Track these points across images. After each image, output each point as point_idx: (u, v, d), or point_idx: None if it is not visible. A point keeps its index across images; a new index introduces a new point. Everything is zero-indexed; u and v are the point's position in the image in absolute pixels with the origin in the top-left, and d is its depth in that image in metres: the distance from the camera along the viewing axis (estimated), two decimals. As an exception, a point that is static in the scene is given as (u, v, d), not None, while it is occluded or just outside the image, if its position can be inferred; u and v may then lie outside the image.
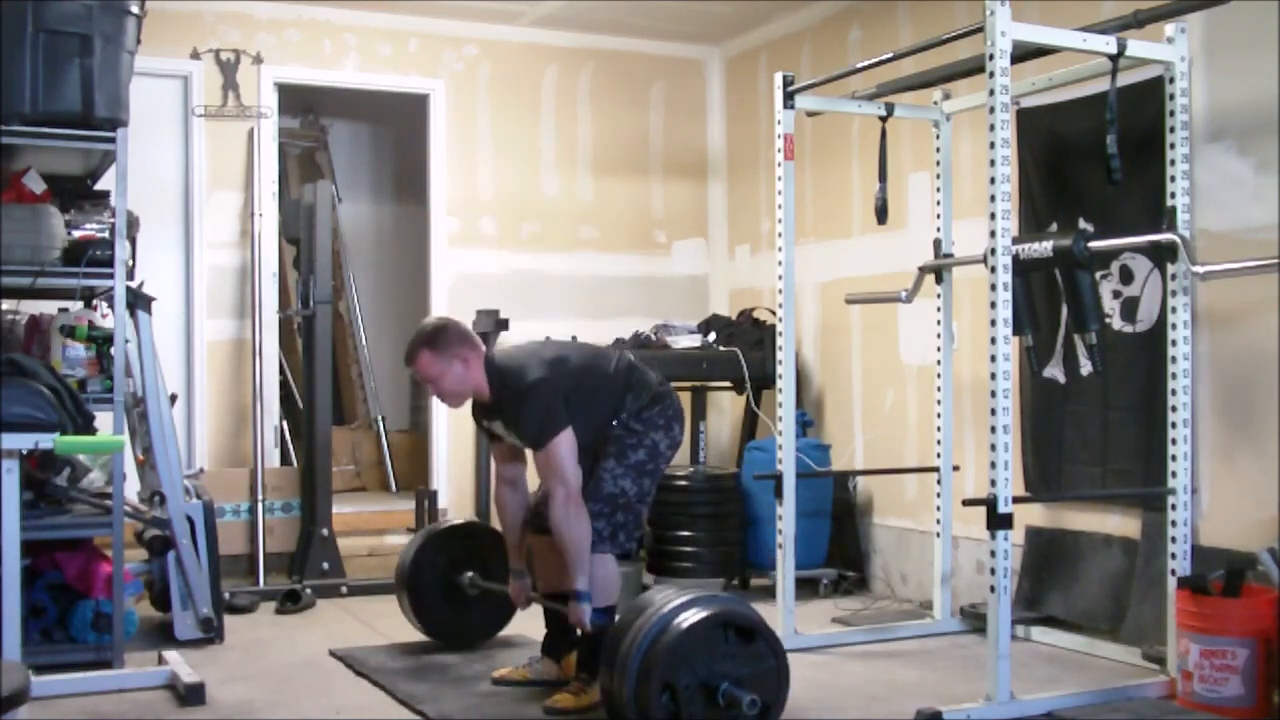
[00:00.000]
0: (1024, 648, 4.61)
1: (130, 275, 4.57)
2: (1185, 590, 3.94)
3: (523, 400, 3.87)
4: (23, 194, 4.44)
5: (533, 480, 4.23)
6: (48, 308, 4.85)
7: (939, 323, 5.13)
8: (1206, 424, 4.32)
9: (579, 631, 4.00)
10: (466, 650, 4.63)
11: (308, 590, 5.55)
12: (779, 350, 4.83)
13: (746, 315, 6.60)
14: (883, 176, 4.92)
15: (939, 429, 5.11)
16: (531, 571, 4.30)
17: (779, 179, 4.76)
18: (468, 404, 4.11)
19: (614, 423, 3.99)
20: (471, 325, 6.53)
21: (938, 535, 5.11)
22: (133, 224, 4.65)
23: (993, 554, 3.76)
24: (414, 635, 4.94)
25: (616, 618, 3.95)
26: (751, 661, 3.39)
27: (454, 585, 4.63)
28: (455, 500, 6.55)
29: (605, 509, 3.90)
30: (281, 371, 6.63)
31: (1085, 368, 4.77)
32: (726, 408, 6.97)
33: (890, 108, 4.97)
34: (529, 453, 4.10)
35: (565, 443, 3.83)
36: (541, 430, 3.84)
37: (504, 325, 6.38)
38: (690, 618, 3.36)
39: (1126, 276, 4.65)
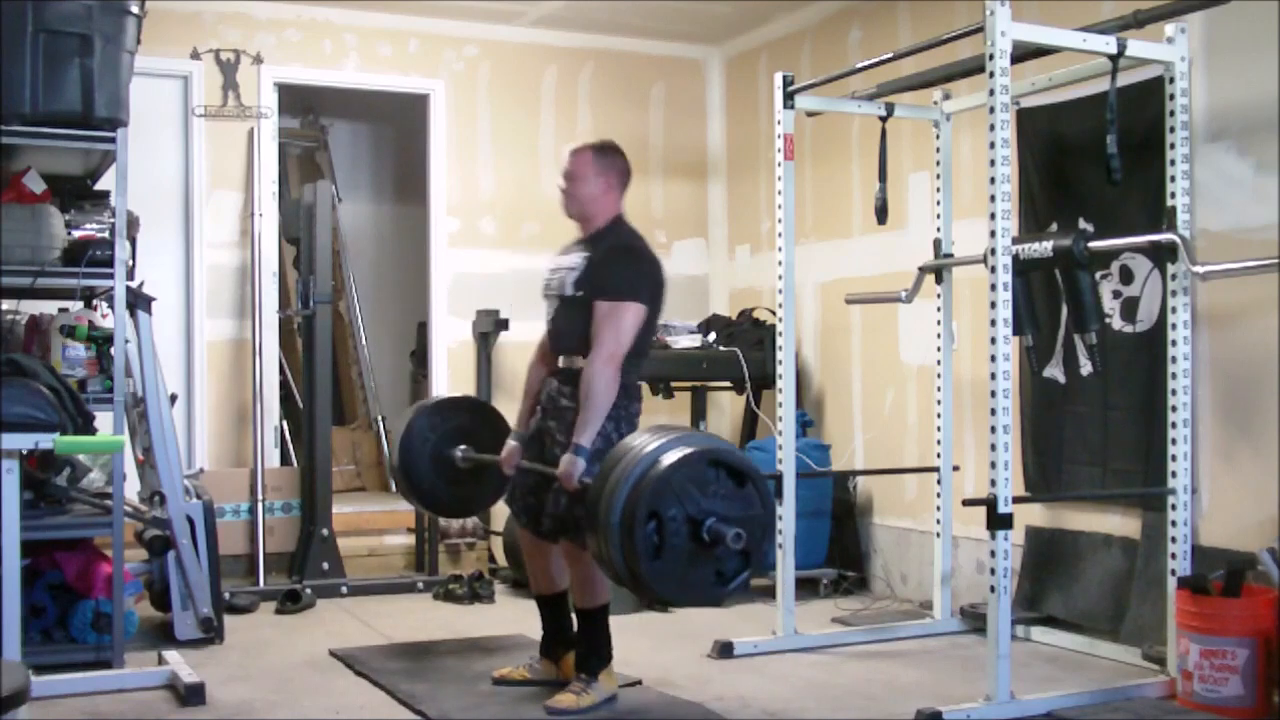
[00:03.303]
0: (1024, 648, 4.62)
1: (130, 275, 4.57)
2: (1185, 590, 3.94)
3: (628, 254, 3.91)
4: (23, 194, 4.44)
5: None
6: (48, 308, 4.85)
7: (939, 323, 5.13)
8: (1206, 424, 4.32)
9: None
10: (461, 514, 4.45)
11: (308, 590, 5.55)
12: (779, 350, 4.83)
13: (746, 315, 6.60)
14: (883, 176, 4.92)
15: (939, 429, 5.11)
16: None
17: (779, 179, 4.76)
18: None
19: (569, 389, 3.91)
20: (471, 326, 6.59)
21: (938, 535, 5.11)
22: (133, 224, 4.65)
23: (993, 554, 3.76)
24: (414, 635, 4.95)
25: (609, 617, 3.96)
26: (740, 505, 3.33)
27: (446, 458, 4.45)
28: (455, 500, 6.55)
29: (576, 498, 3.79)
30: (281, 371, 6.63)
31: (1085, 368, 4.78)
32: (726, 408, 6.97)
33: (890, 108, 4.98)
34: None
35: (635, 312, 3.83)
36: (624, 286, 3.84)
37: (504, 325, 6.39)
38: (682, 452, 3.32)
39: (1126, 276, 4.65)
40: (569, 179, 4.01)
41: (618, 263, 3.89)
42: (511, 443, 4.12)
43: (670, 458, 3.30)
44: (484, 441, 4.42)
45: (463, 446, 4.44)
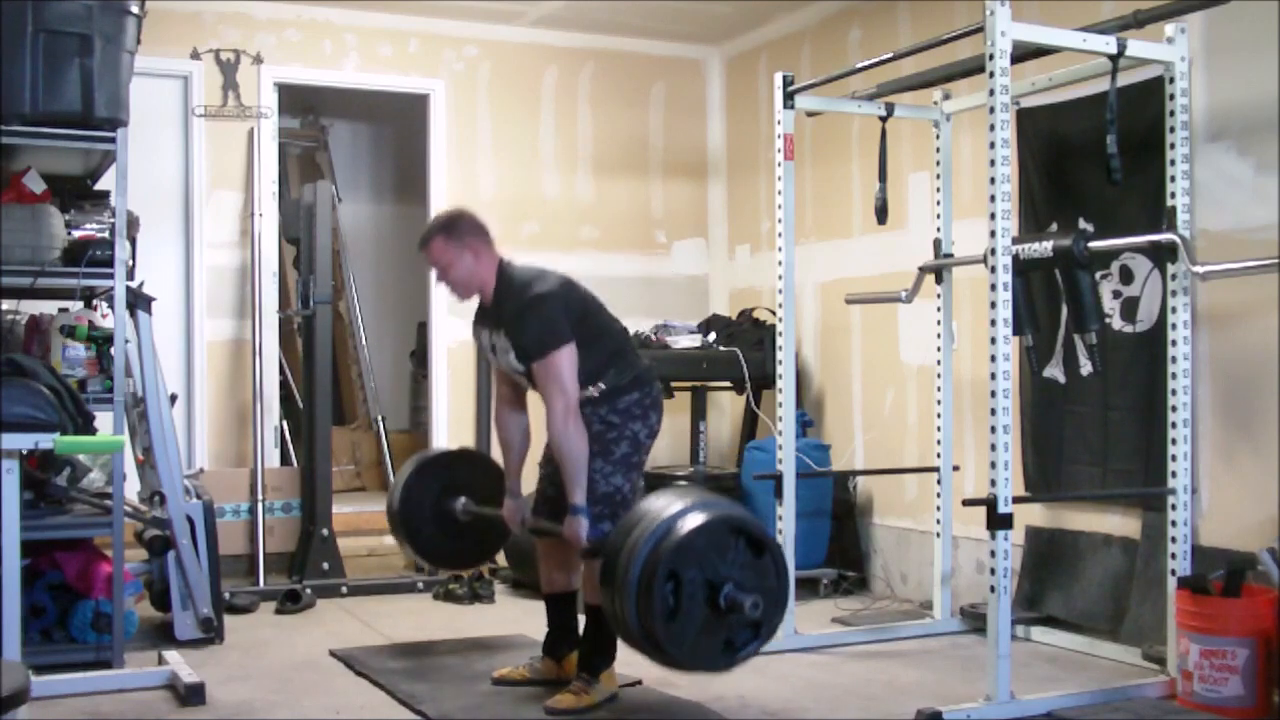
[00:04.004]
0: (1024, 648, 4.62)
1: (130, 275, 4.57)
2: (1185, 590, 3.94)
3: (529, 309, 3.84)
4: (23, 194, 4.44)
5: (535, 445, 4.20)
6: (48, 308, 4.85)
7: (939, 323, 5.13)
8: (1206, 424, 4.32)
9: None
10: (462, 567, 4.55)
11: (308, 590, 5.55)
12: (779, 350, 4.83)
13: (746, 315, 6.60)
14: (883, 176, 4.92)
15: (939, 429, 5.11)
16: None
17: (779, 179, 4.76)
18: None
19: (586, 408, 3.90)
20: (472, 325, 6.58)
21: (938, 535, 5.11)
22: (133, 224, 4.65)
23: (993, 554, 3.76)
24: (414, 635, 4.95)
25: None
26: (756, 575, 3.36)
27: (446, 511, 4.48)
28: (455, 500, 6.55)
29: (606, 510, 3.85)
30: (281, 371, 6.63)
31: (1085, 368, 4.78)
32: (726, 408, 6.97)
33: (890, 108, 4.98)
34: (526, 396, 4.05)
35: (568, 355, 3.79)
36: (544, 339, 3.80)
37: (504, 325, 6.38)
38: (704, 516, 3.35)
39: (1126, 276, 4.65)
40: (439, 269, 3.97)
41: (522, 323, 3.86)
42: (510, 501, 4.17)
43: (692, 521, 3.33)
44: (483, 493, 4.46)
45: (463, 499, 4.48)
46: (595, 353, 3.90)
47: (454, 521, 4.49)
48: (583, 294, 3.99)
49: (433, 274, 4.04)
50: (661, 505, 3.43)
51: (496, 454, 4.45)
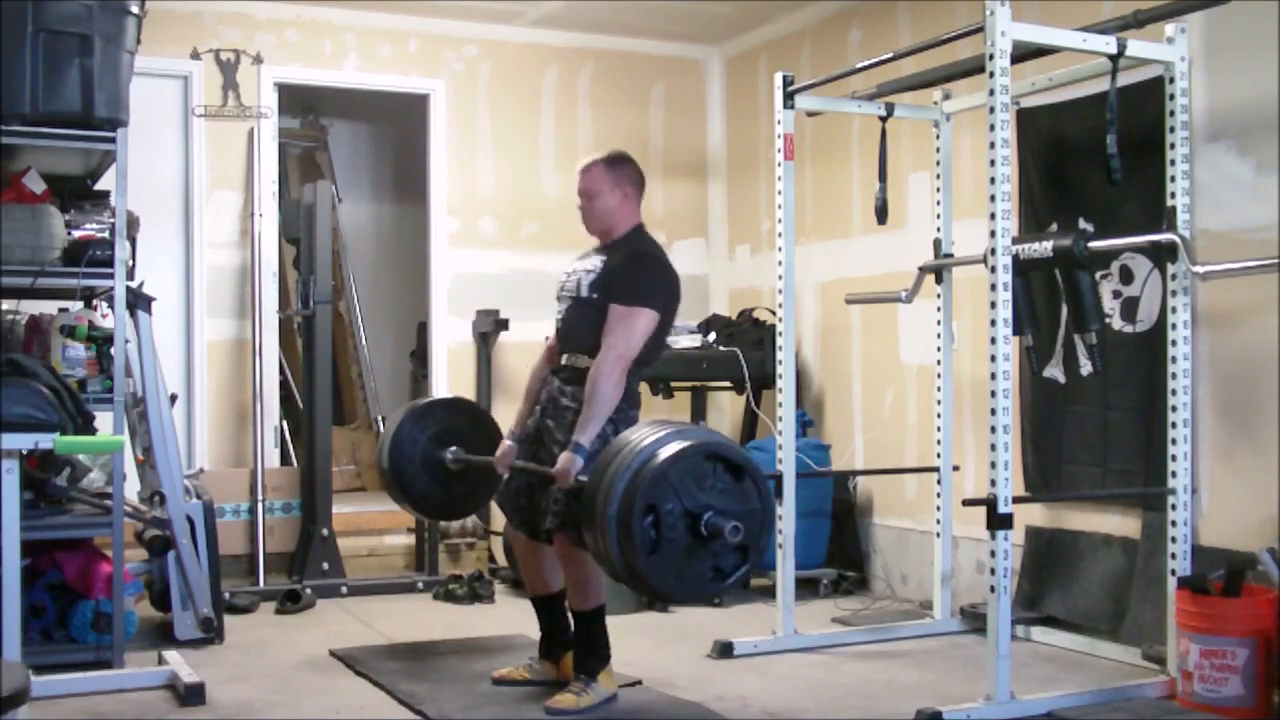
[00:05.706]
0: (1024, 648, 4.62)
1: (130, 275, 4.57)
2: (1185, 590, 3.94)
3: (643, 262, 3.90)
4: (23, 194, 4.44)
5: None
6: (48, 308, 4.85)
7: (939, 323, 5.14)
8: (1206, 424, 4.32)
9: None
10: (452, 517, 4.60)
11: (308, 590, 5.55)
12: (779, 350, 4.83)
13: (746, 315, 6.60)
14: (883, 176, 4.92)
15: (939, 429, 5.11)
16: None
17: (779, 179, 4.76)
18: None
19: (576, 389, 3.89)
20: (471, 326, 6.59)
21: (938, 535, 5.11)
22: (133, 224, 4.65)
23: (993, 554, 3.76)
24: (414, 635, 4.95)
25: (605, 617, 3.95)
26: (738, 499, 3.35)
27: (437, 460, 4.45)
28: (455, 500, 6.55)
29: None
30: (281, 371, 6.63)
31: (1085, 368, 4.78)
32: (726, 408, 6.97)
33: (890, 108, 4.98)
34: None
35: (647, 319, 3.83)
36: (640, 291, 3.84)
37: (504, 325, 6.40)
38: (679, 446, 3.33)
39: (1126, 276, 4.65)
40: (586, 196, 4.01)
41: (635, 268, 3.89)
42: (507, 442, 4.12)
43: (667, 451, 3.30)
44: (473, 442, 4.42)
45: (453, 448, 4.44)
46: (651, 356, 3.95)
47: (444, 470, 4.45)
48: (677, 304, 4.04)
49: (578, 200, 4.07)
50: (637, 438, 3.40)
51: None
